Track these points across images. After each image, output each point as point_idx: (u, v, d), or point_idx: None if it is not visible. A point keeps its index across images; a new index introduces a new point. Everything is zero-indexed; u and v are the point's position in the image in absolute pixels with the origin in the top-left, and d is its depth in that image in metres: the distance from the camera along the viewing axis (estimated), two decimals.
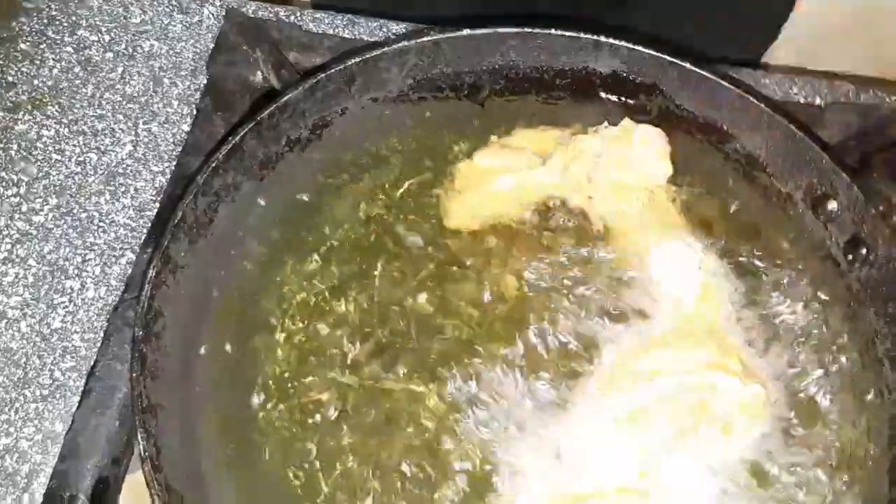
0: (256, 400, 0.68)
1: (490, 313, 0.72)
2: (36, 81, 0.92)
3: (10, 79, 0.91)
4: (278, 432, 0.67)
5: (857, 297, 0.75)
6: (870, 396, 0.71)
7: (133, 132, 0.89)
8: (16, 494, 0.71)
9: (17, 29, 0.94)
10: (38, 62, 0.93)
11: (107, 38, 0.94)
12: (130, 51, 0.94)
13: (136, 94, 0.91)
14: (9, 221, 0.83)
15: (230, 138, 0.70)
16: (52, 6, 0.96)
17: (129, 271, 0.80)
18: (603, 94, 0.83)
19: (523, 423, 0.67)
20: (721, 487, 0.65)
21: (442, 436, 0.67)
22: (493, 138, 0.81)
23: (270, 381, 0.69)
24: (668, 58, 0.78)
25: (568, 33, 0.80)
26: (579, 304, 0.73)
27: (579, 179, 0.79)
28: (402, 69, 0.79)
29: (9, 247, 0.82)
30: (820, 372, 0.71)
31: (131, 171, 0.87)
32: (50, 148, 0.88)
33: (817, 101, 0.96)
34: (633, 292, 0.74)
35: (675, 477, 0.65)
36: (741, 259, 0.76)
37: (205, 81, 0.91)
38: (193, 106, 0.91)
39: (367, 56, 0.76)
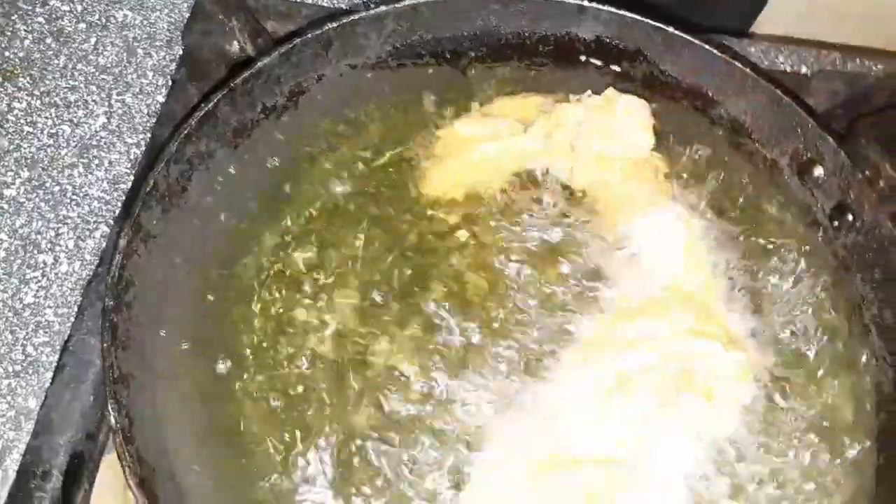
0: (234, 371, 0.67)
1: (470, 283, 0.71)
2: (7, 53, 0.90)
3: None
4: (256, 403, 0.66)
5: (843, 263, 0.74)
6: (856, 363, 0.70)
7: (107, 104, 0.87)
8: None
9: None
10: (9, 33, 0.91)
11: (79, 7, 0.92)
12: (104, 21, 0.92)
13: (109, 65, 0.90)
14: None
15: (203, 105, 0.69)
16: None
17: (104, 245, 0.79)
18: (586, 61, 0.81)
19: (505, 393, 0.66)
20: (704, 455, 0.64)
21: (423, 405, 0.65)
22: (475, 106, 0.80)
23: (248, 352, 0.68)
24: (653, 23, 0.77)
25: None
26: (561, 272, 0.72)
27: (561, 148, 0.77)
28: (380, 35, 0.77)
29: None
30: (805, 339, 0.70)
31: (105, 144, 0.85)
32: (21, 120, 0.86)
33: (803, 69, 0.94)
34: (615, 260, 0.73)
35: (658, 444, 0.64)
36: (726, 226, 0.75)
37: (180, 52, 0.89)
38: (169, 77, 0.89)
39: (344, 21, 0.74)
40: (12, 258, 0.78)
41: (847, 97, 0.87)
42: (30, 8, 0.92)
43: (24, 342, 0.75)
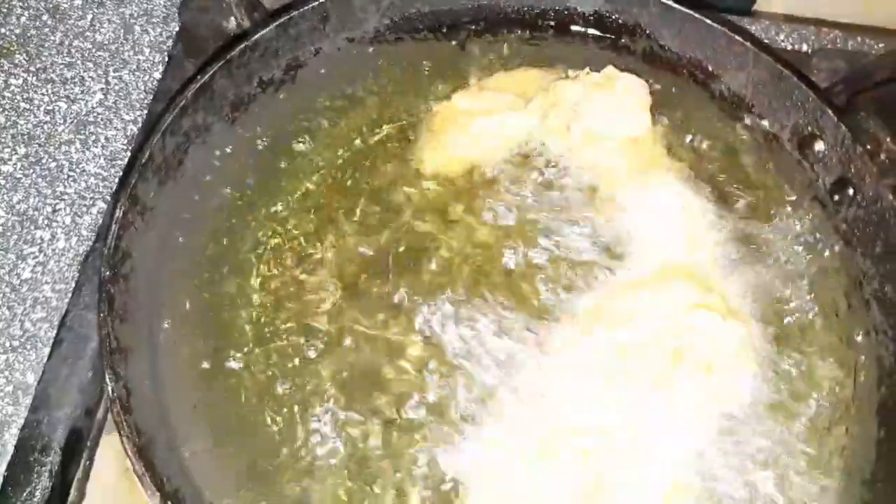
0: (231, 344, 0.66)
1: (468, 257, 0.71)
2: (3, 30, 0.89)
3: None
4: (254, 377, 0.66)
5: (844, 237, 0.73)
6: (857, 337, 0.70)
7: (103, 80, 0.87)
8: None
9: None
10: (4, 10, 0.90)
11: None
12: None
13: (106, 42, 0.89)
14: None
15: (199, 77, 0.68)
16: None
17: (101, 221, 0.78)
18: (586, 35, 0.81)
19: (503, 365, 0.66)
20: (704, 428, 0.64)
21: (420, 379, 0.65)
22: (473, 80, 0.79)
23: (246, 326, 0.67)
24: None
25: None
26: (559, 247, 0.71)
27: (558, 127, 0.77)
28: (377, 8, 0.76)
29: None
30: (805, 313, 0.70)
31: (102, 120, 0.85)
32: (18, 97, 0.85)
33: (804, 47, 0.94)
34: (614, 235, 0.72)
35: (658, 417, 0.64)
36: (725, 200, 0.75)
37: (177, 28, 0.89)
38: (165, 53, 0.88)
39: None
40: (9, 234, 0.78)
41: (847, 74, 0.87)
42: None
43: (22, 318, 0.74)
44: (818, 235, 0.74)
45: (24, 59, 0.87)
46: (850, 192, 0.73)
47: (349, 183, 0.74)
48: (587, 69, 0.79)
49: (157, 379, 0.63)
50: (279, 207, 0.73)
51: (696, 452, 0.64)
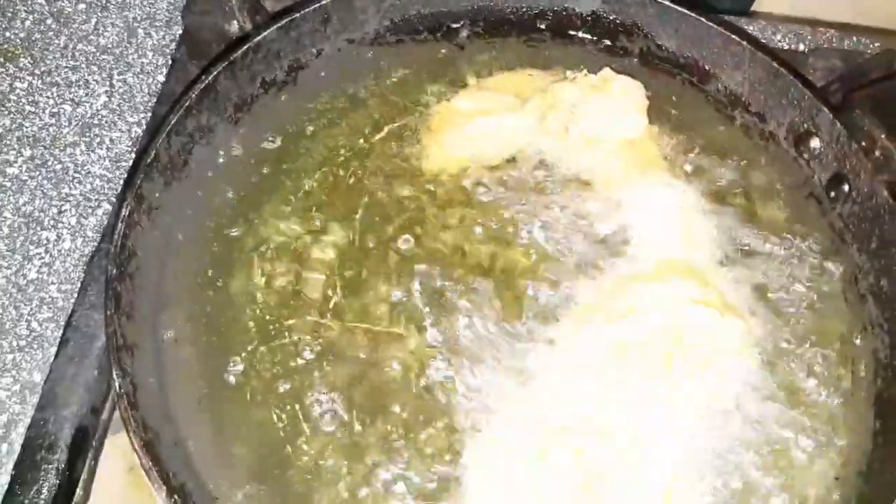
0: (236, 342, 0.67)
1: (469, 255, 0.72)
2: (8, 34, 0.90)
3: None
4: (258, 374, 0.66)
5: (839, 234, 0.74)
6: (853, 331, 0.71)
7: (108, 83, 0.88)
8: None
9: None
10: (9, 14, 0.91)
11: None
12: (104, 2, 0.93)
13: (110, 45, 0.90)
14: None
15: (203, 78, 0.69)
16: None
17: (106, 222, 0.79)
18: (584, 36, 0.82)
19: (503, 362, 0.66)
20: (702, 422, 0.65)
21: (422, 374, 0.66)
22: (472, 81, 0.80)
23: (250, 324, 0.68)
24: None
25: None
26: (557, 245, 0.72)
27: (555, 129, 0.78)
28: (378, 9, 0.77)
29: None
30: (802, 308, 0.71)
31: (106, 122, 0.86)
32: (23, 100, 0.86)
33: (801, 47, 0.95)
34: (613, 233, 0.73)
35: (656, 412, 0.64)
36: (723, 198, 0.76)
37: (180, 31, 0.90)
38: (169, 56, 0.89)
39: None
40: (16, 235, 0.79)
41: (843, 73, 0.88)
42: None
43: (29, 318, 0.75)
44: (814, 231, 0.75)
45: (29, 62, 0.88)
46: (846, 188, 0.74)
47: (351, 182, 0.75)
48: (584, 71, 0.80)
49: (162, 375, 0.64)
50: (282, 206, 0.73)
51: (694, 448, 0.64)
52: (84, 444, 0.69)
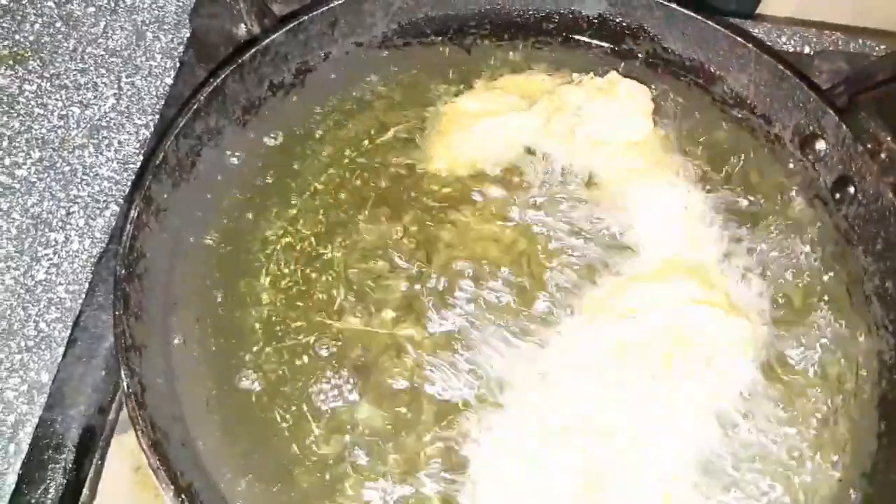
0: (243, 342, 0.67)
1: (474, 255, 0.72)
2: (17, 36, 0.91)
3: None
4: (265, 374, 0.66)
5: (845, 235, 0.74)
6: (858, 333, 0.71)
7: (116, 86, 0.88)
8: (1, 444, 0.71)
9: None
10: (19, 17, 0.92)
11: None
12: (112, 5, 0.93)
13: (118, 48, 0.91)
14: None
15: (211, 81, 0.69)
16: None
17: (114, 223, 0.80)
18: (590, 38, 0.82)
19: (507, 361, 0.67)
20: (706, 421, 0.65)
21: (427, 375, 0.66)
22: (479, 83, 0.81)
23: (257, 325, 0.68)
24: None
25: None
26: (562, 245, 0.72)
27: (561, 131, 0.78)
28: (386, 12, 0.78)
29: None
30: (807, 308, 0.71)
31: (115, 125, 0.86)
32: (32, 102, 0.87)
33: (806, 49, 0.95)
34: (618, 233, 0.73)
35: (660, 411, 0.65)
36: (728, 199, 0.76)
37: (188, 34, 0.90)
38: (177, 59, 0.90)
39: None
40: (24, 236, 0.79)
41: (849, 75, 0.88)
42: None
43: (37, 318, 0.76)
44: (819, 233, 0.75)
45: (38, 65, 0.89)
46: (851, 190, 0.74)
47: (357, 183, 0.75)
48: (591, 74, 0.80)
49: (170, 375, 0.64)
50: (289, 208, 0.74)
51: (696, 448, 0.65)
52: (91, 444, 0.70)
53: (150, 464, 0.57)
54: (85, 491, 0.69)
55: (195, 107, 0.69)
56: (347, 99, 0.79)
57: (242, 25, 0.86)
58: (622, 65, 0.82)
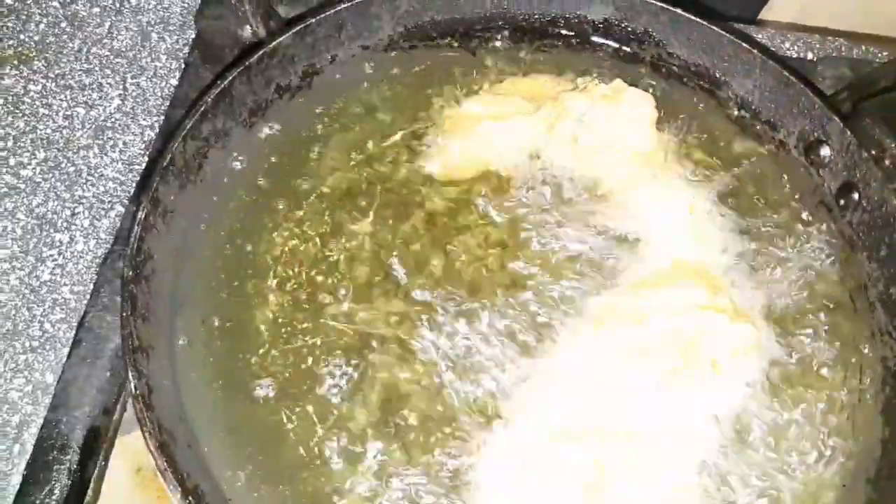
0: (249, 345, 0.67)
1: (479, 259, 0.72)
2: (22, 36, 0.91)
3: None
4: (272, 376, 0.66)
5: (849, 241, 0.75)
6: (862, 339, 0.71)
7: (121, 86, 0.88)
8: (6, 445, 0.71)
9: None
10: (24, 17, 0.92)
11: None
12: (118, 5, 0.93)
13: (123, 49, 0.91)
14: None
15: (218, 82, 0.70)
16: None
17: (119, 224, 0.80)
18: (596, 42, 0.83)
19: (512, 366, 0.67)
20: (712, 427, 0.65)
21: (433, 377, 0.66)
22: (485, 86, 0.81)
23: (263, 326, 0.68)
24: (660, 4, 0.78)
25: None
26: (567, 250, 0.73)
27: (566, 136, 0.78)
28: (392, 16, 0.78)
29: None
30: (811, 314, 0.71)
31: (120, 125, 0.86)
32: (37, 102, 0.87)
33: (810, 55, 0.96)
34: (622, 238, 0.74)
35: (666, 416, 0.65)
36: (733, 205, 0.76)
37: (193, 36, 0.90)
38: (182, 60, 0.90)
39: (357, 1, 0.75)
40: (29, 237, 0.79)
41: (852, 81, 0.88)
42: None
43: (42, 319, 0.76)
44: (824, 239, 0.75)
45: (43, 65, 0.89)
46: (856, 196, 0.74)
47: (363, 186, 0.76)
48: (596, 80, 0.80)
49: (177, 377, 0.64)
50: (295, 210, 0.74)
51: (700, 454, 0.65)
52: (95, 445, 0.70)
53: (158, 465, 0.57)
54: (89, 492, 0.69)
55: (202, 108, 0.69)
56: (353, 101, 0.79)
57: (248, 27, 0.86)
58: (627, 69, 0.82)
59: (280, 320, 0.69)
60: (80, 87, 0.88)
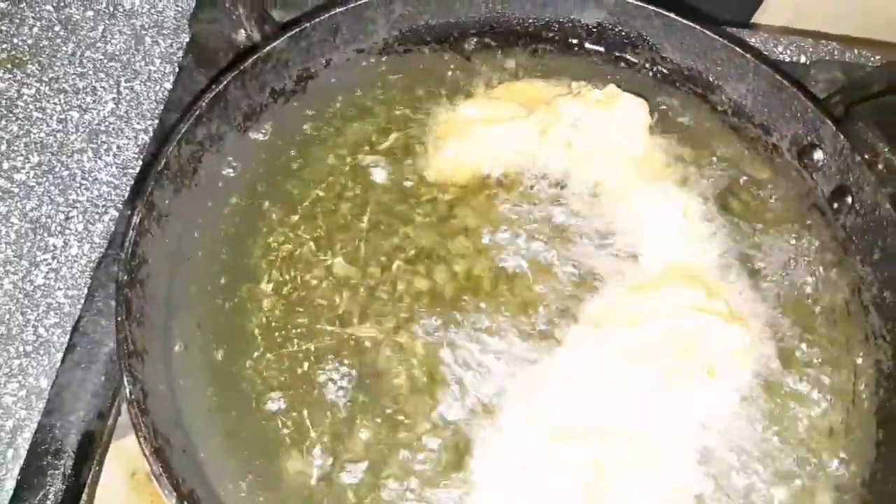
0: (244, 349, 0.67)
1: (474, 264, 0.72)
2: (16, 40, 0.91)
3: None
4: (266, 381, 0.66)
5: (842, 245, 0.75)
6: (856, 342, 0.71)
7: (115, 90, 0.88)
8: (0, 449, 0.70)
9: None
10: (17, 21, 0.92)
11: None
12: (111, 9, 0.93)
13: (117, 53, 0.91)
14: None
15: (213, 86, 0.70)
16: None
17: (113, 228, 0.80)
18: (589, 47, 0.83)
19: (510, 369, 0.67)
20: (708, 428, 0.65)
21: (430, 381, 0.66)
22: (479, 90, 0.81)
23: (257, 331, 0.68)
24: (653, 8, 0.78)
25: None
26: (562, 254, 0.73)
27: (559, 141, 0.78)
28: (387, 20, 0.78)
29: None
30: (806, 317, 0.72)
31: (114, 129, 0.86)
32: (31, 106, 0.87)
33: (802, 59, 0.96)
34: (618, 240, 0.74)
35: (663, 418, 0.65)
36: (727, 208, 0.76)
37: (187, 39, 0.90)
38: (176, 64, 0.90)
39: (353, 5, 0.75)
40: (23, 241, 0.79)
41: (845, 85, 0.89)
42: None
43: (35, 323, 0.76)
44: (817, 242, 0.76)
45: (37, 69, 0.89)
46: (849, 200, 0.75)
47: (357, 191, 0.75)
48: (589, 85, 0.80)
49: (172, 382, 0.64)
50: (290, 214, 0.74)
51: (697, 455, 0.65)
52: (90, 450, 0.70)
53: (153, 470, 0.57)
54: (83, 497, 0.69)
55: (197, 113, 0.69)
56: (348, 105, 0.79)
57: (242, 31, 0.86)
58: (621, 73, 0.82)
59: (274, 325, 0.69)
60: (73, 91, 0.88)
